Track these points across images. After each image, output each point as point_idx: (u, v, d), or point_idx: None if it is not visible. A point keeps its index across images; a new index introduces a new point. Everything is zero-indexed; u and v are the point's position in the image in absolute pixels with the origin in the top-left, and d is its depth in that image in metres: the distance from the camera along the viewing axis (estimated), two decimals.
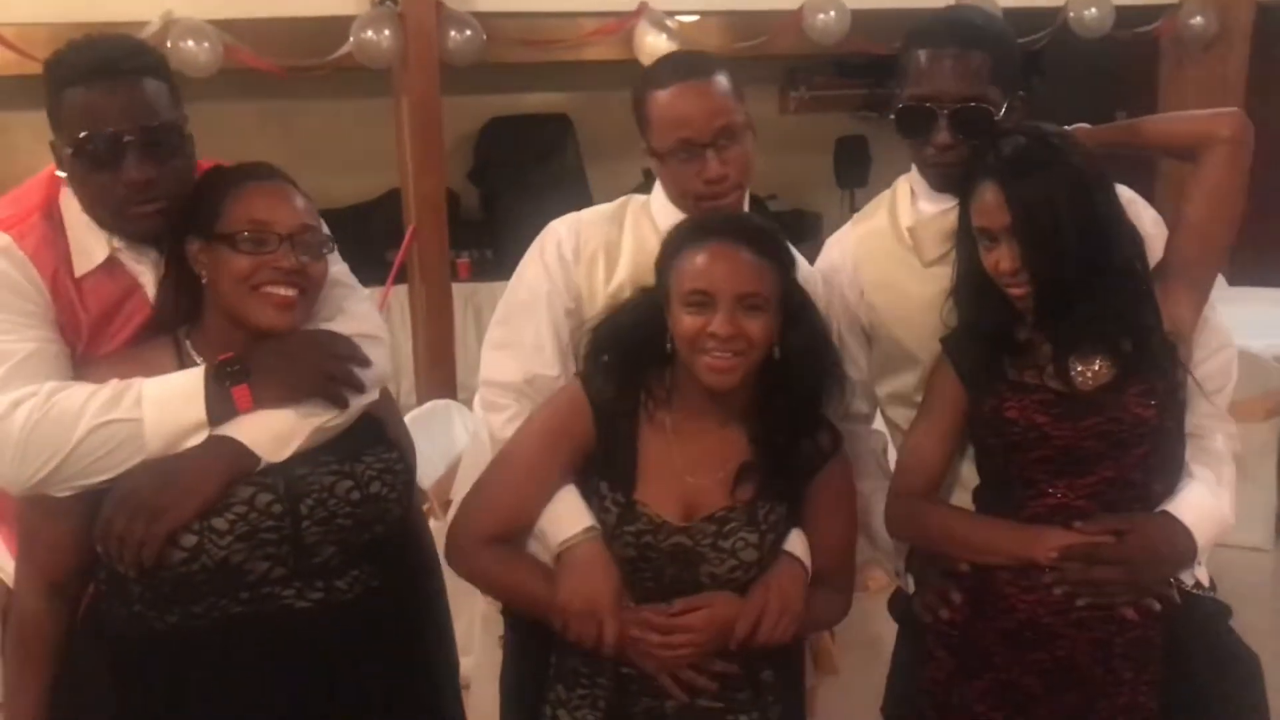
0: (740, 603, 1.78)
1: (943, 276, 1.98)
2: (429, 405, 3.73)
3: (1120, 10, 5.66)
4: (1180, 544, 1.83)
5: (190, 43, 4.53)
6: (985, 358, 1.88)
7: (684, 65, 1.98)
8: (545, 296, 2.05)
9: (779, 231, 1.86)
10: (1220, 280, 5.35)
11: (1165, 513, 1.85)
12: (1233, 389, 2.00)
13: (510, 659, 2.09)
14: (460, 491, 2.82)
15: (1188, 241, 1.92)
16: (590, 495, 1.82)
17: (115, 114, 1.65)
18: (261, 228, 1.66)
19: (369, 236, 5.81)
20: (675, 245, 1.80)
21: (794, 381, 1.80)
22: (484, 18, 5.00)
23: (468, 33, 4.92)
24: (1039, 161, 1.80)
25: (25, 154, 5.82)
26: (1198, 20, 5.79)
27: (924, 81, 1.93)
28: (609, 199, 2.19)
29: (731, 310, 1.71)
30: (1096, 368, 1.83)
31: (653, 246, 1.90)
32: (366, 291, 1.95)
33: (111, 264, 1.76)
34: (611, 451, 1.81)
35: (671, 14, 5.18)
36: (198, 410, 1.63)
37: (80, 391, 1.62)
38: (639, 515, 1.77)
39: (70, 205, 1.75)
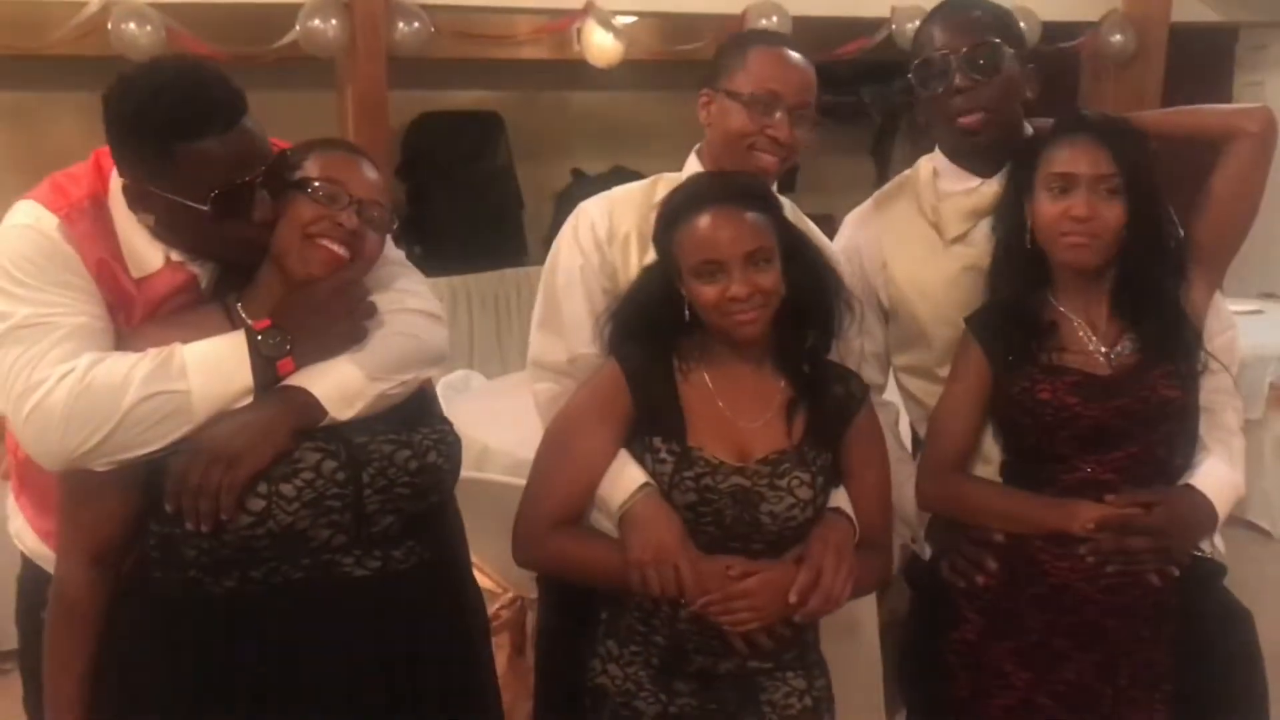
0: (794, 569, 1.83)
1: (963, 255, 2.10)
2: None
3: (1046, 25, 5.86)
4: (1203, 514, 1.97)
5: (132, 25, 4.41)
6: (1016, 338, 1.97)
7: (786, 39, 2.12)
8: (580, 277, 2.09)
9: (760, 180, 1.95)
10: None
11: (1189, 486, 1.97)
12: (1237, 369, 2.11)
13: (548, 613, 2.14)
14: None
15: (1207, 229, 2.04)
16: (644, 454, 1.85)
17: (242, 162, 1.62)
18: (337, 185, 1.67)
19: None
20: (670, 218, 1.86)
21: (806, 311, 1.88)
22: (431, 10, 4.97)
23: (415, 25, 4.88)
24: (1132, 133, 1.94)
25: None
26: (1117, 38, 6.02)
27: (935, 40, 2.08)
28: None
29: (743, 270, 1.78)
30: (1130, 345, 1.96)
31: None
32: (422, 276, 1.95)
33: (167, 266, 1.74)
34: (657, 411, 1.85)
35: (613, 13, 5.20)
36: (244, 377, 1.62)
37: (121, 362, 1.60)
38: (696, 459, 1.82)
39: (121, 210, 1.72)
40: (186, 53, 4.29)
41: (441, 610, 1.78)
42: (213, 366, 1.61)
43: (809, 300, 1.88)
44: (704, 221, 1.80)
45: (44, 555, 1.85)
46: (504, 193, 6.70)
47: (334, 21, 4.72)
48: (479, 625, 1.94)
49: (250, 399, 1.63)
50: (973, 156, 2.13)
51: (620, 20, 5.25)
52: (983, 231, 2.13)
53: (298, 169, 1.69)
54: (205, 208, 1.61)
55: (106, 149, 1.71)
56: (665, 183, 2.14)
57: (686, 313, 1.85)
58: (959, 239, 2.13)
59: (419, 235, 6.67)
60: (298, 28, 4.69)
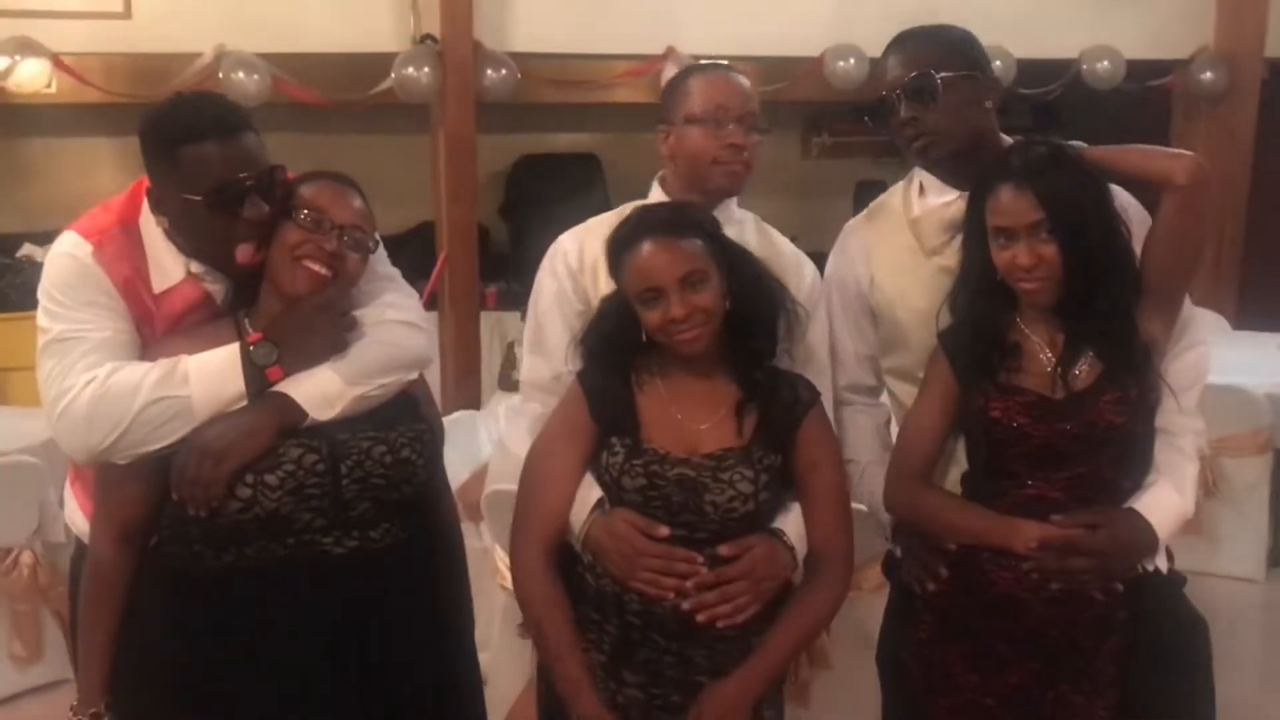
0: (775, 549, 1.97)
1: (941, 264, 2.21)
2: (455, 415, 3.92)
3: (1131, 64, 5.85)
4: (1144, 538, 2.04)
5: (240, 74, 4.77)
6: (979, 357, 2.07)
7: (727, 66, 2.28)
8: (557, 303, 2.27)
9: (691, 206, 2.11)
10: (1224, 324, 5.49)
11: (1132, 509, 2.04)
12: (1202, 387, 2.16)
13: None
14: (486, 492, 3.02)
15: (1153, 272, 2.07)
16: (602, 452, 2.01)
17: (235, 164, 1.89)
18: (321, 212, 1.91)
19: (401, 267, 6.01)
20: (615, 253, 2.02)
21: (750, 321, 2.01)
22: (519, 58, 5.25)
23: (503, 71, 5.16)
24: (1059, 164, 2.01)
25: (77, 176, 6.17)
26: (1208, 75, 5.97)
27: (885, 77, 2.21)
28: None
29: (680, 293, 1.93)
30: (1085, 369, 2.03)
31: None
32: (411, 289, 2.17)
33: (186, 280, 1.99)
34: (614, 418, 2.01)
35: (698, 57, 5.40)
36: (238, 384, 1.86)
37: (135, 371, 1.86)
38: (645, 450, 1.97)
39: (151, 229, 1.99)
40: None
41: (416, 583, 1.99)
42: (211, 374, 1.86)
43: (753, 311, 2.02)
44: (642, 252, 1.96)
45: None
46: None
47: (426, 69, 5.04)
48: (460, 607, 2.15)
49: (244, 403, 1.87)
50: (945, 172, 2.25)
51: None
52: (959, 243, 2.21)
53: (291, 197, 1.94)
54: (199, 199, 1.86)
55: (143, 180, 1.99)
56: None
57: (644, 334, 2.01)
58: (937, 249, 2.24)
59: (518, 271, 6.95)
60: (393, 75, 5.01)
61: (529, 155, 7.49)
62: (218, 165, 1.88)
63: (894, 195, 2.39)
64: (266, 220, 1.91)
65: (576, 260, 2.27)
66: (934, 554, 2.11)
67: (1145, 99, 6.20)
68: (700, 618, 1.92)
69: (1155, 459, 2.09)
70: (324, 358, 1.90)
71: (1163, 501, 2.06)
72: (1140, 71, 5.94)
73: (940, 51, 2.19)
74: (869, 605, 2.95)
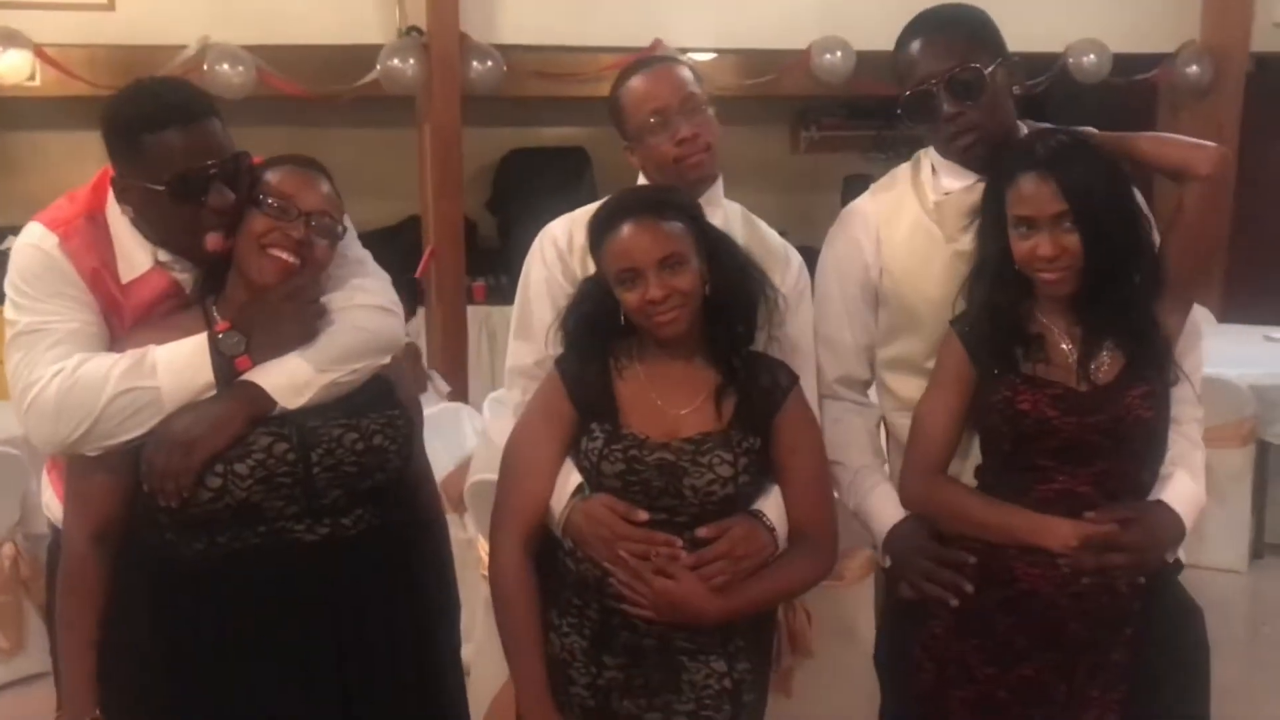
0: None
1: (961, 249, 2.15)
2: (440, 407, 3.92)
3: (1118, 58, 5.86)
4: (1174, 530, 2.03)
5: (225, 66, 4.77)
6: (999, 345, 2.04)
7: (648, 60, 2.25)
8: (547, 288, 2.25)
9: (674, 190, 2.08)
10: (1209, 315, 5.51)
11: (1161, 501, 2.04)
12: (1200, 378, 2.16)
13: None
14: (469, 482, 3.02)
15: (1173, 263, 2.05)
16: (582, 438, 2.00)
17: (199, 152, 1.86)
18: (287, 199, 1.89)
19: (387, 261, 6.00)
20: (596, 235, 2.01)
21: (729, 307, 2.01)
22: (505, 50, 5.24)
23: (489, 63, 5.16)
24: (1082, 155, 1.98)
25: (62, 170, 6.13)
26: (1193, 69, 5.98)
27: (917, 69, 2.12)
28: None
29: (658, 275, 1.92)
30: (1107, 362, 2.01)
31: None
32: (383, 272, 2.15)
33: (154, 269, 1.97)
34: (593, 405, 2.01)
35: (685, 50, 5.40)
36: (206, 374, 1.85)
37: (103, 362, 1.84)
38: (624, 435, 1.97)
39: (117, 219, 1.96)
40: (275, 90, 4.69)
41: (391, 569, 1.97)
42: (179, 365, 1.84)
43: (733, 295, 2.02)
44: (622, 233, 1.95)
45: None
46: None
47: (412, 61, 5.03)
48: (442, 594, 2.13)
49: (213, 393, 1.85)
50: (971, 159, 2.18)
51: (695, 56, 5.44)
52: (976, 229, 2.16)
53: (256, 185, 1.91)
54: (162, 188, 1.84)
55: (108, 169, 1.97)
56: None
57: (623, 318, 2.00)
58: (958, 234, 2.17)
59: (506, 266, 6.94)
60: (378, 67, 5.00)
61: (516, 149, 7.47)
62: (180, 154, 1.84)
63: (901, 179, 2.31)
64: (232, 208, 1.88)
65: (566, 244, 2.25)
66: (955, 569, 2.06)
67: (1130, 93, 6.20)
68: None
69: (1169, 449, 2.08)
70: (293, 346, 1.89)
71: (1185, 492, 2.06)
72: (1126, 65, 5.94)
73: (973, 38, 2.12)
74: (851, 596, 2.97)
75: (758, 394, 2.02)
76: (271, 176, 1.91)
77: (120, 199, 1.94)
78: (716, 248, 2.02)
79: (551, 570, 2.04)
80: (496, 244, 7.50)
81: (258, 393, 1.85)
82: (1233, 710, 2.22)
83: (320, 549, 1.89)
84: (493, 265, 6.98)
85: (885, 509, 2.22)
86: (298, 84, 5.01)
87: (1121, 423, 1.98)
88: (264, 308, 1.88)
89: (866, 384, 2.40)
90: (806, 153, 8.14)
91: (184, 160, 1.85)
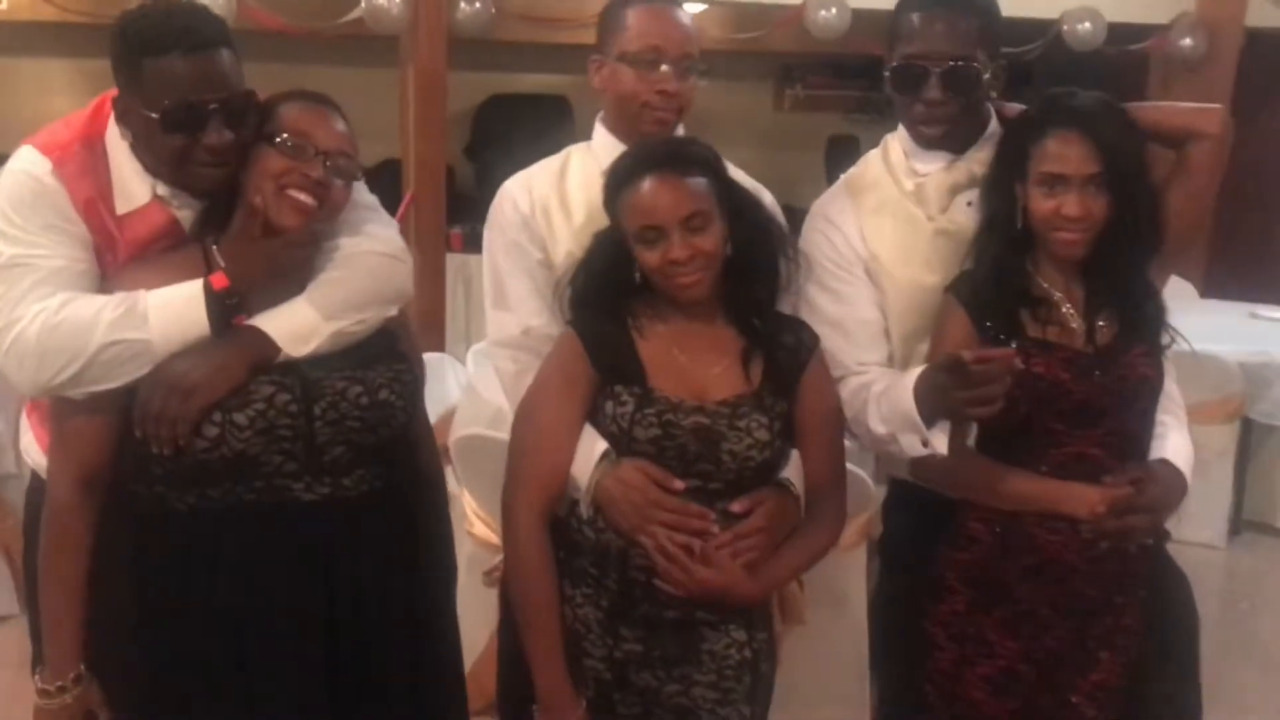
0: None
1: (942, 226, 2.13)
2: (424, 358, 3.82)
3: (1113, 27, 5.80)
4: (1180, 487, 2.04)
5: None
6: (1004, 310, 2.00)
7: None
8: (516, 254, 2.17)
9: (698, 141, 1.99)
10: (1191, 291, 5.52)
11: (1165, 460, 2.04)
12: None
13: None
14: (455, 436, 2.95)
15: (1174, 225, 2.02)
16: (606, 402, 1.91)
17: (201, 83, 1.74)
18: (304, 137, 1.78)
19: None
20: (615, 185, 1.92)
21: (752, 267, 1.94)
22: None
23: (477, 5, 5.02)
24: (1117, 117, 1.96)
25: (30, 99, 5.96)
26: (1187, 41, 5.93)
27: (917, 41, 2.07)
28: None
29: (682, 234, 1.84)
30: (1105, 324, 2.00)
31: (601, 184, 2.00)
32: (391, 219, 2.06)
33: (153, 203, 1.86)
34: (616, 365, 1.92)
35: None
36: (201, 326, 1.75)
37: (89, 304, 1.74)
38: (656, 399, 1.88)
39: (116, 146, 1.85)
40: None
41: (391, 536, 1.89)
42: (172, 316, 1.74)
43: (755, 256, 1.95)
44: (644, 188, 1.86)
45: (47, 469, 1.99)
46: None
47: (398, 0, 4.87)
48: (440, 560, 2.06)
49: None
50: (933, 141, 2.16)
51: (690, 7, 5.33)
52: (959, 205, 2.16)
53: (269, 120, 1.79)
54: (155, 115, 1.73)
55: (112, 93, 1.85)
56: (576, 154, 2.23)
57: (638, 275, 1.92)
58: (939, 214, 2.16)
59: (484, 215, 6.83)
60: (363, 4, 4.85)
61: (498, 95, 7.34)
62: (181, 82, 1.73)
63: (871, 165, 2.27)
64: (231, 148, 1.77)
65: (528, 205, 2.17)
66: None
67: (1121, 63, 6.15)
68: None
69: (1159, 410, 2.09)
70: (286, 298, 1.79)
71: (1182, 448, 2.07)
72: (1120, 35, 5.88)
73: (982, 30, 2.07)
74: (843, 563, 2.93)
75: (784, 354, 1.95)
76: (287, 112, 1.79)
77: (121, 120, 1.82)
78: (739, 205, 1.94)
79: (562, 540, 1.96)
80: (475, 191, 7.38)
81: (262, 339, 1.75)
82: (1210, 684, 2.19)
83: (318, 510, 1.80)
84: (470, 213, 6.82)
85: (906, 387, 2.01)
86: (280, 18, 4.86)
87: (1126, 382, 1.98)
88: (262, 258, 1.77)
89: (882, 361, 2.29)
90: (791, 110, 8.04)
91: (183, 90, 1.73)
